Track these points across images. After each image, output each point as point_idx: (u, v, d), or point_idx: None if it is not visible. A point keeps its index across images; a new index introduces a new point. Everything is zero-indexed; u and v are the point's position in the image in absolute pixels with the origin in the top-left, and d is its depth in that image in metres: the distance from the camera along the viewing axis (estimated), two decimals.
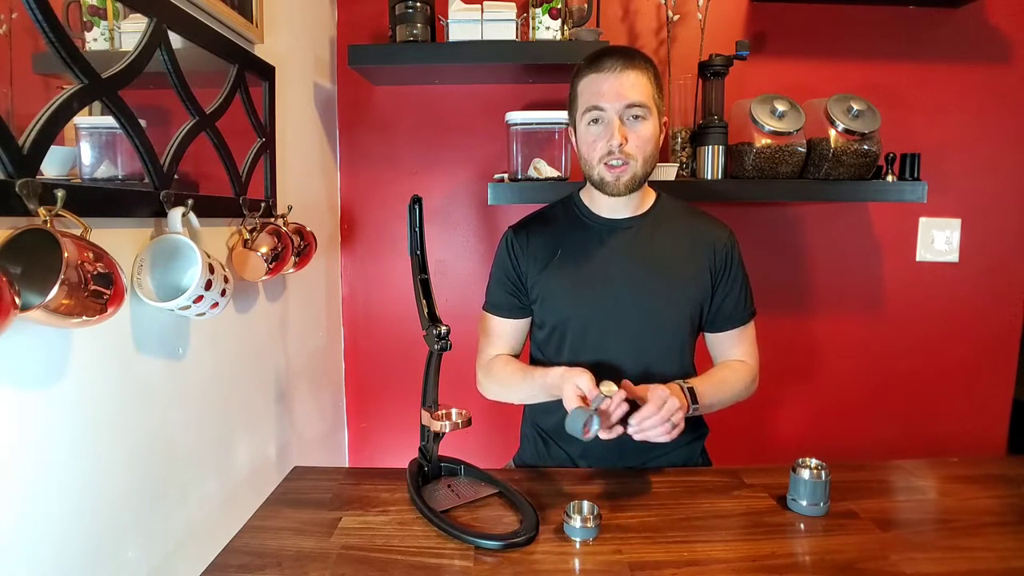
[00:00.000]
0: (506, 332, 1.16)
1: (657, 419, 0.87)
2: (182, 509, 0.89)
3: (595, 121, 1.01)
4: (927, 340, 1.73)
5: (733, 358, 1.16)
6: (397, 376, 1.74)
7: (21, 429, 0.61)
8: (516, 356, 1.18)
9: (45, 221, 0.58)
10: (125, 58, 0.74)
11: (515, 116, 1.42)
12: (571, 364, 1.09)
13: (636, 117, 1.00)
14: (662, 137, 1.05)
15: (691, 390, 0.99)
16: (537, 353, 1.17)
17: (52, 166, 0.66)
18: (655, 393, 0.89)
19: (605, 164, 1.01)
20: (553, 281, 1.10)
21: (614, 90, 0.99)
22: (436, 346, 0.89)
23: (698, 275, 1.09)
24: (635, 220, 1.10)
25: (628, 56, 1.00)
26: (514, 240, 1.14)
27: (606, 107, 0.99)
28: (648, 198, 1.12)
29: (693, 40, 1.54)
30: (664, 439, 0.89)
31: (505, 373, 1.11)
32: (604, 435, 0.86)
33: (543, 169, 1.43)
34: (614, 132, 0.99)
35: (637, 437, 0.89)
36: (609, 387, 0.86)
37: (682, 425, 0.90)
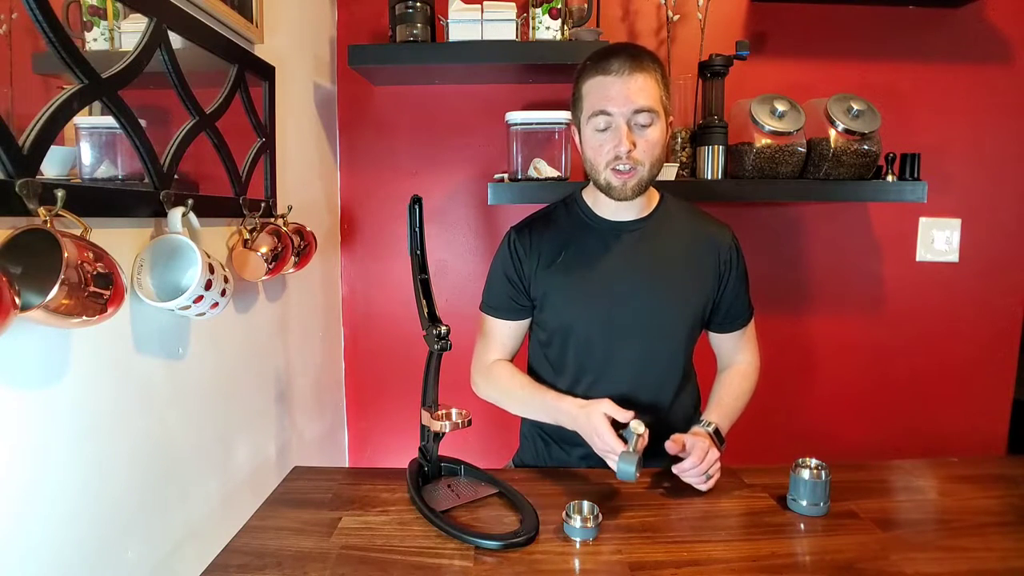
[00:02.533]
0: (504, 334, 1.15)
1: (698, 471, 0.94)
2: (182, 509, 0.89)
3: (602, 126, 0.99)
4: (927, 340, 1.73)
5: (738, 356, 1.18)
6: (397, 376, 1.74)
7: (21, 429, 0.61)
8: (513, 358, 1.17)
9: (45, 221, 0.58)
10: (125, 58, 0.74)
11: (515, 116, 1.42)
12: (576, 365, 1.10)
13: (643, 124, 0.98)
14: (668, 137, 1.04)
15: (717, 431, 1.04)
16: (539, 355, 1.16)
17: (52, 166, 0.66)
18: (698, 446, 0.94)
19: (612, 169, 1.00)
20: (557, 283, 1.09)
21: (622, 94, 0.96)
22: (436, 346, 0.89)
23: (702, 277, 1.09)
24: (639, 223, 1.09)
25: (636, 57, 0.98)
26: (517, 241, 1.12)
27: (614, 112, 0.97)
28: (652, 199, 1.11)
29: (693, 40, 1.54)
30: (702, 488, 0.96)
31: (511, 385, 1.11)
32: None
33: (543, 169, 1.43)
34: (622, 138, 0.97)
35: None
36: (639, 425, 0.89)
37: (718, 476, 0.97)
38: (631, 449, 0.87)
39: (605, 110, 0.98)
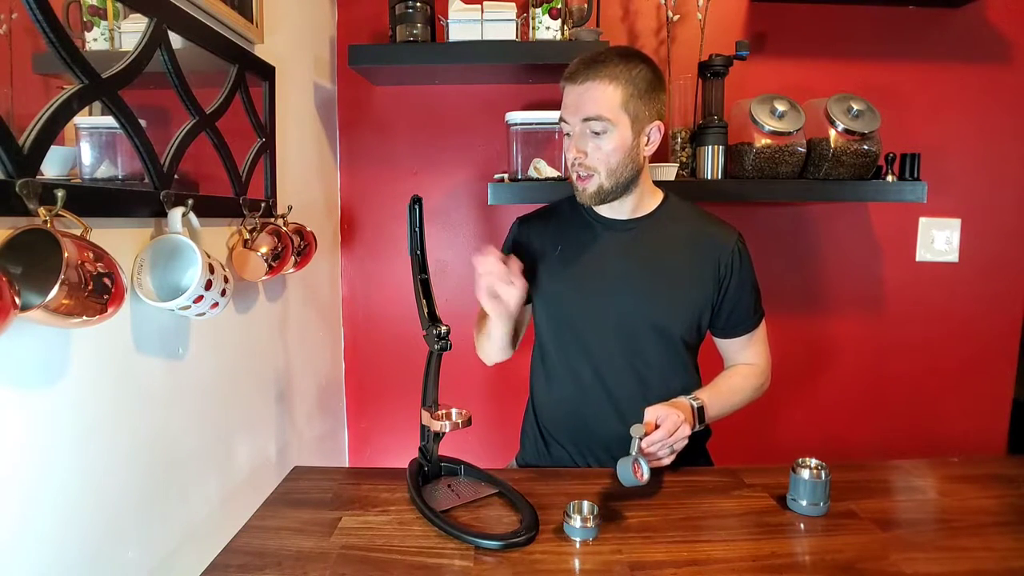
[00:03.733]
0: None
1: (665, 444, 0.91)
2: (182, 509, 0.89)
3: (566, 131, 1.03)
4: (927, 340, 1.73)
5: (744, 361, 1.16)
6: (397, 376, 1.74)
7: (21, 429, 0.61)
8: (517, 338, 1.19)
9: (45, 221, 0.58)
10: (125, 58, 0.74)
11: (515, 116, 1.42)
12: (568, 363, 1.10)
13: (595, 132, 0.99)
14: (648, 144, 1.02)
15: (700, 409, 1.01)
16: (540, 351, 1.17)
17: (52, 166, 0.66)
18: (670, 419, 0.92)
19: (574, 174, 1.03)
20: (552, 277, 1.10)
21: (575, 103, 1.00)
22: (436, 346, 0.89)
23: (700, 281, 1.08)
24: (636, 222, 1.09)
25: (595, 66, 0.98)
26: (519, 231, 1.17)
27: (569, 120, 1.01)
28: (652, 199, 1.11)
29: (693, 40, 1.54)
30: (664, 462, 0.95)
31: (479, 325, 1.17)
32: (655, 466, 0.93)
33: (543, 169, 1.43)
34: (570, 146, 1.02)
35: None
36: (638, 428, 0.89)
37: (680, 448, 0.95)
38: (633, 453, 0.86)
39: (563, 117, 1.02)
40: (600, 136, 0.99)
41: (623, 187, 1.03)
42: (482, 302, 1.01)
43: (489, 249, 0.97)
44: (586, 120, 0.98)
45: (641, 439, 0.88)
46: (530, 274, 1.11)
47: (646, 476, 0.84)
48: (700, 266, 1.08)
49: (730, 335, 1.14)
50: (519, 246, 1.14)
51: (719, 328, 1.13)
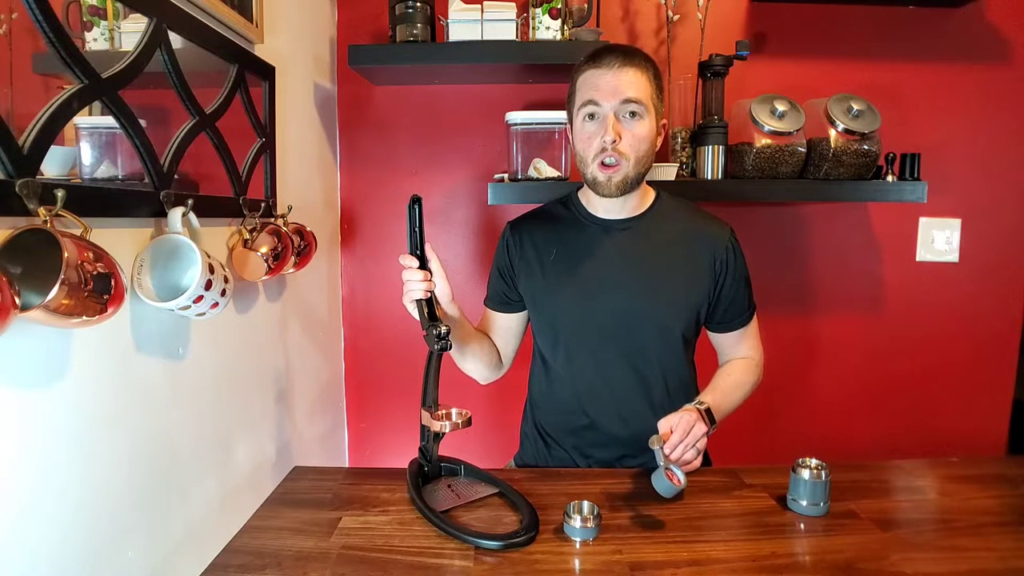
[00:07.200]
0: (494, 325, 1.17)
1: (684, 444, 0.90)
2: (182, 509, 0.89)
3: (591, 117, 1.00)
4: (927, 340, 1.73)
5: (738, 354, 1.17)
6: (397, 376, 1.74)
7: (21, 429, 0.61)
8: (507, 353, 1.19)
9: (45, 221, 0.58)
10: (125, 58, 0.74)
11: (515, 116, 1.42)
12: (567, 364, 1.10)
13: (632, 114, 0.98)
14: (660, 140, 1.04)
15: (708, 411, 0.99)
16: (539, 352, 1.17)
17: (52, 166, 0.66)
18: (684, 420, 0.92)
19: (599, 163, 1.00)
20: (546, 280, 1.10)
21: (611, 86, 0.98)
22: (436, 346, 0.89)
23: (697, 278, 1.08)
24: (632, 221, 1.09)
25: (628, 54, 1.00)
26: (510, 235, 1.15)
27: (602, 103, 0.99)
28: (647, 198, 1.12)
29: (693, 40, 1.54)
30: (695, 464, 0.95)
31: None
32: (688, 469, 0.93)
33: (543, 169, 1.43)
34: (608, 128, 0.98)
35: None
36: (656, 440, 0.89)
37: (701, 453, 0.94)
38: (661, 464, 0.87)
39: (593, 100, 0.99)
40: (635, 120, 0.99)
41: (639, 180, 1.04)
42: (407, 306, 0.96)
43: (410, 259, 0.94)
44: (625, 102, 0.97)
45: (662, 447, 0.88)
46: (526, 279, 1.12)
47: (683, 480, 0.85)
48: (697, 262, 1.09)
49: (726, 329, 1.14)
50: (512, 251, 1.14)
51: (716, 323, 1.13)
